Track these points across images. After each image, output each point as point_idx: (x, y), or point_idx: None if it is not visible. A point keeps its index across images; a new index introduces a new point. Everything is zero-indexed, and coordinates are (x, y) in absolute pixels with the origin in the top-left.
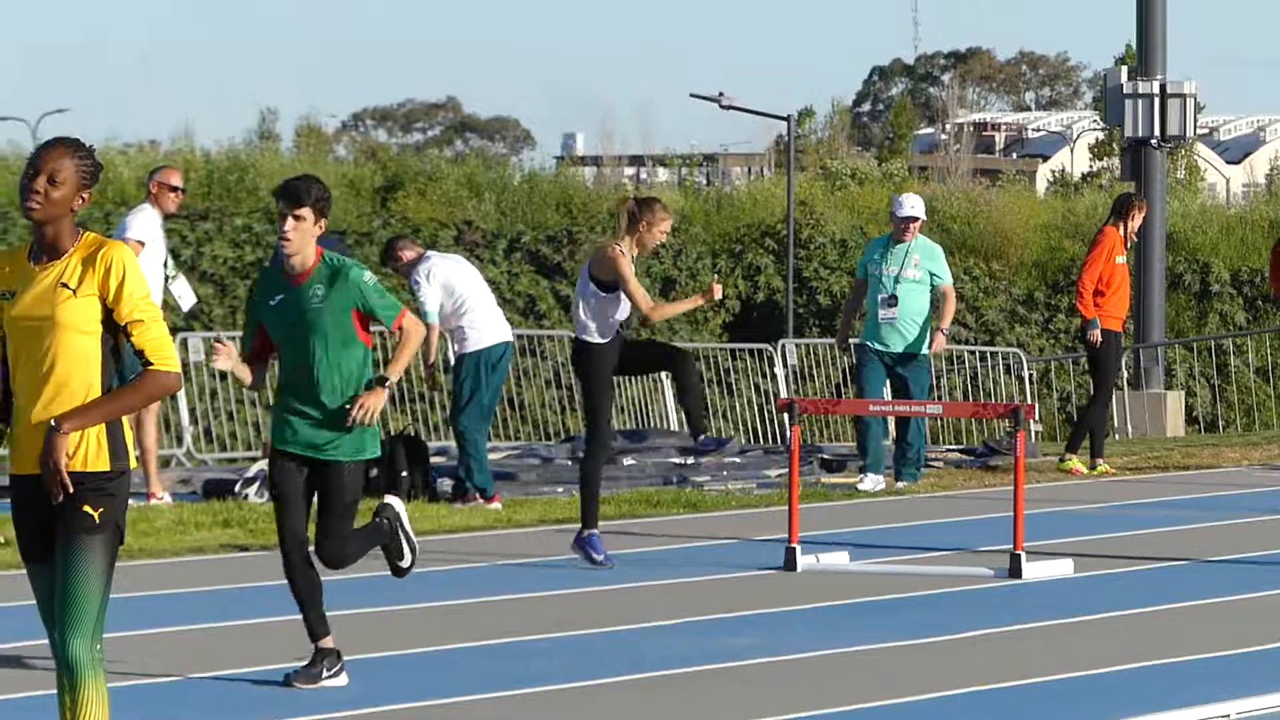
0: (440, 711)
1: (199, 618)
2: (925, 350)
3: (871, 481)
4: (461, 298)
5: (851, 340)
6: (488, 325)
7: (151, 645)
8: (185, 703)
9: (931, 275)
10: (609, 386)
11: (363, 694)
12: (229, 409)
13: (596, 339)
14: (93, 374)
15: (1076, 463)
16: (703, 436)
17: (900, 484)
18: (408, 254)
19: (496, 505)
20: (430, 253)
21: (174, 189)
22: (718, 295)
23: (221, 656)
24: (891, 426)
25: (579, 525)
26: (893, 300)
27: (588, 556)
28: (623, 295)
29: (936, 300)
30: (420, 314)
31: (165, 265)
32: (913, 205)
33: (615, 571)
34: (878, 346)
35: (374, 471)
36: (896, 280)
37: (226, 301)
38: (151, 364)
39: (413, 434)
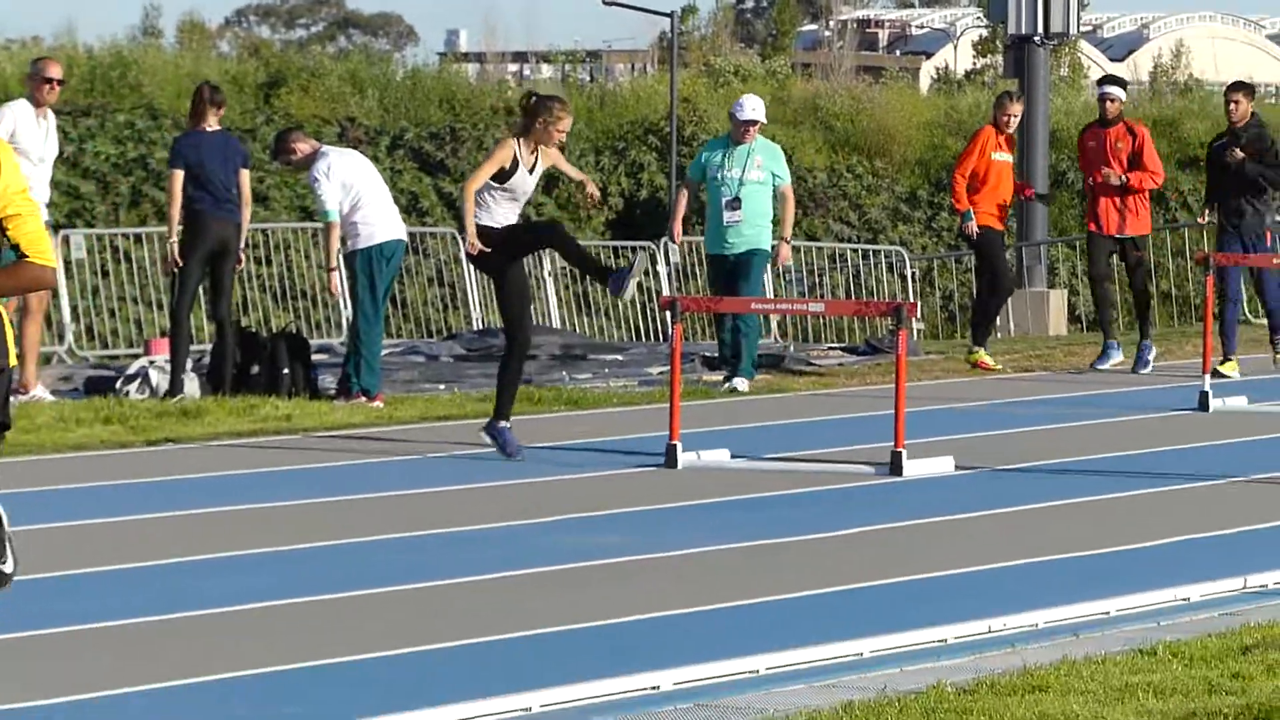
0: (310, 608)
1: (81, 514)
2: (766, 247)
3: (743, 383)
4: (357, 194)
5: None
6: (381, 221)
7: (31, 541)
8: (68, 597)
9: (773, 175)
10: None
11: (234, 590)
12: (110, 306)
13: (488, 222)
14: None
15: (984, 355)
16: (612, 277)
17: (739, 382)
18: (302, 147)
19: (379, 404)
20: (326, 147)
21: (47, 80)
22: (595, 195)
23: (102, 552)
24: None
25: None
26: (737, 202)
27: (500, 446)
28: (514, 185)
29: (776, 202)
30: (320, 212)
31: (42, 159)
32: (754, 108)
33: (494, 468)
34: (722, 250)
35: (255, 368)
36: (740, 182)
37: (109, 198)
38: (27, 257)
39: (294, 331)
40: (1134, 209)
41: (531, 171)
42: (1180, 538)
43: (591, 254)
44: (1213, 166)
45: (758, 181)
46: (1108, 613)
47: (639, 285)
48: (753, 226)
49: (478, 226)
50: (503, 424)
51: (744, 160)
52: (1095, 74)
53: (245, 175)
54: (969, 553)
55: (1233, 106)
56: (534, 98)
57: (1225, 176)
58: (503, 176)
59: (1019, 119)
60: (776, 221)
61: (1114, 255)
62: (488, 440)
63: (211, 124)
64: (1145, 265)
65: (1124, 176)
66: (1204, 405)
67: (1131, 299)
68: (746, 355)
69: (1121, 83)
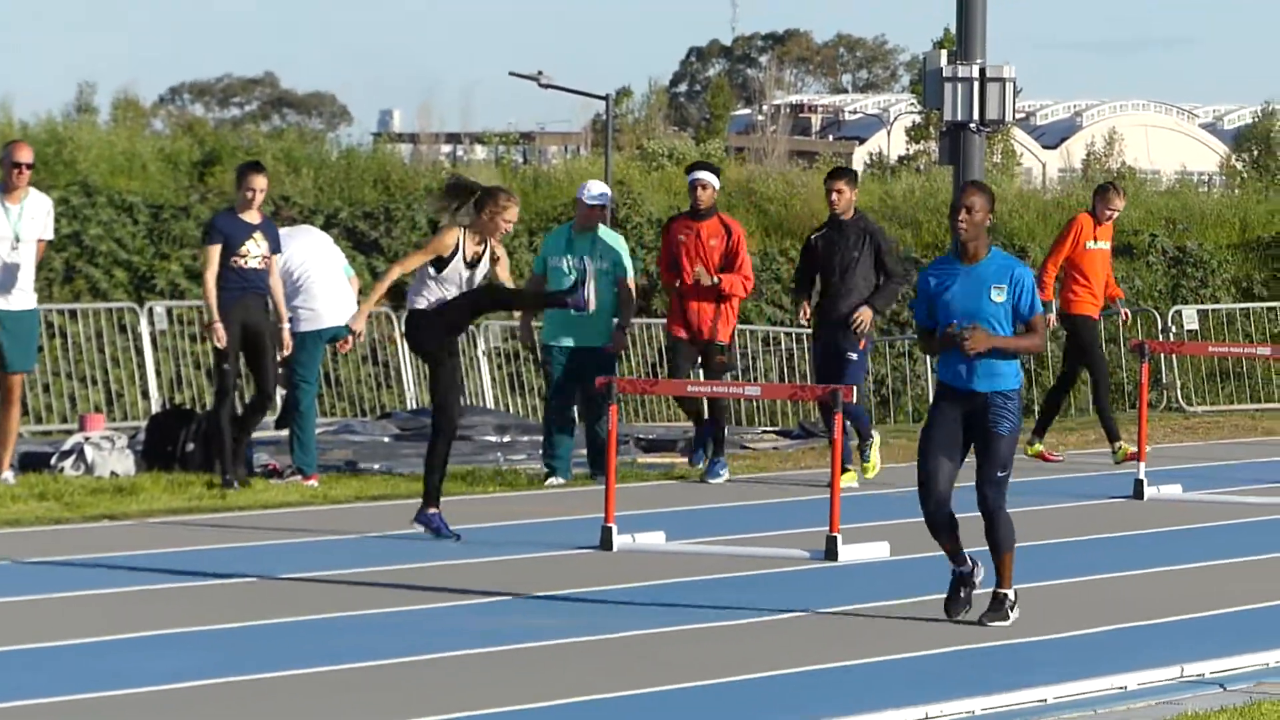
0: (235, 688)
1: (13, 590)
2: (605, 345)
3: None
4: (304, 275)
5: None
6: (327, 306)
7: None
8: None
9: (615, 266)
10: (448, 363)
11: (167, 669)
12: (44, 381)
13: (423, 306)
14: None
15: (1042, 447)
16: (569, 298)
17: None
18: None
19: (313, 483)
20: (285, 229)
21: (15, 165)
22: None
23: (33, 629)
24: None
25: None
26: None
27: (433, 531)
28: (448, 274)
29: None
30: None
31: (15, 245)
32: (601, 192)
33: (428, 549)
34: (565, 342)
35: (190, 446)
36: (584, 271)
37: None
38: None
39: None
40: (725, 315)
41: (473, 265)
42: (1117, 626)
43: (530, 289)
44: (807, 256)
45: (604, 270)
46: (1044, 700)
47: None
48: (599, 318)
49: (414, 312)
50: (432, 510)
51: (589, 248)
52: (1028, 161)
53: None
54: (905, 638)
55: (835, 196)
56: (482, 189)
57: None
58: (440, 264)
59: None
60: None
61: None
62: (419, 529)
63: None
64: (726, 370)
65: (716, 278)
66: (1139, 493)
67: (707, 408)
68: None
69: (714, 169)
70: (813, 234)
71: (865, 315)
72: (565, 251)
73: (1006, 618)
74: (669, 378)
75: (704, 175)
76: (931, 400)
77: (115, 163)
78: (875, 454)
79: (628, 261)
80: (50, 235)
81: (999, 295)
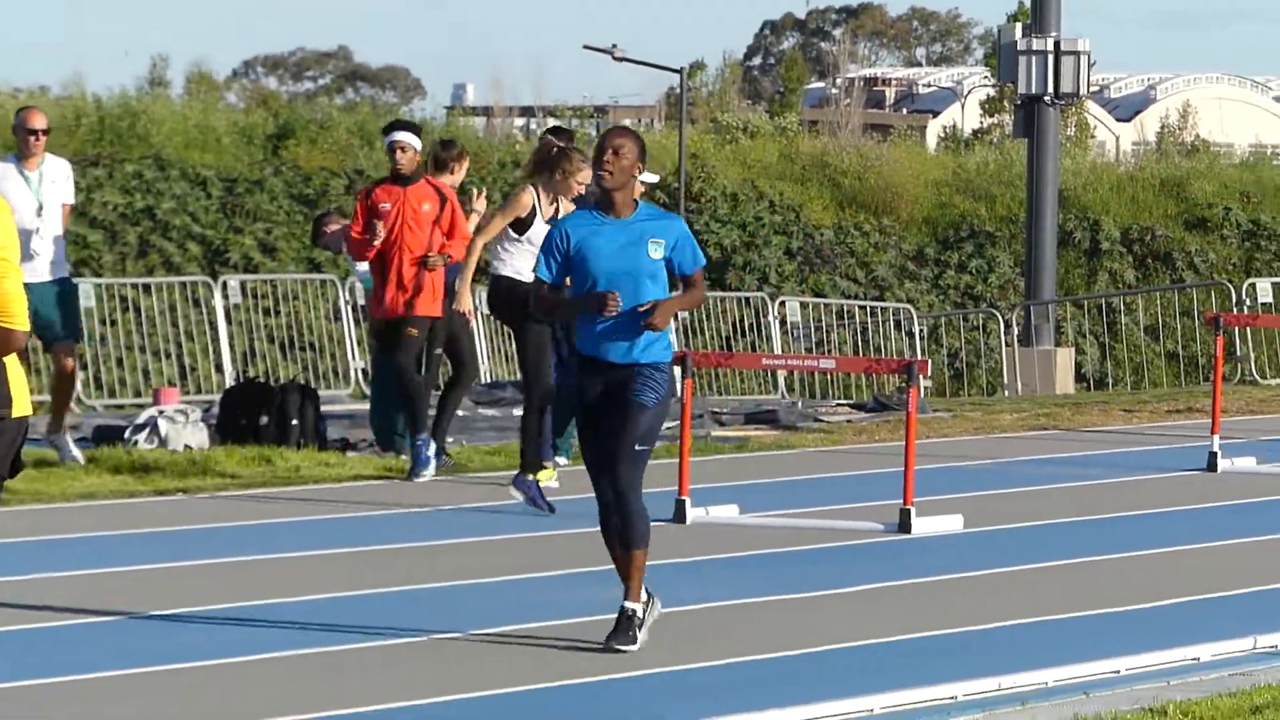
0: (319, 659)
1: (88, 563)
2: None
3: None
4: None
5: None
6: None
7: (38, 590)
8: (72, 647)
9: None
10: (531, 324)
11: (238, 643)
12: (118, 355)
13: (510, 273)
14: None
15: None
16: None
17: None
18: (333, 228)
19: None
20: None
21: (31, 132)
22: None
23: (109, 602)
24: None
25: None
26: None
27: (528, 497)
28: (531, 236)
29: None
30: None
31: (39, 212)
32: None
33: (502, 522)
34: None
35: (264, 419)
36: None
37: (116, 248)
38: (6, 323)
39: (302, 382)
40: (431, 287)
41: (549, 223)
42: (1190, 598)
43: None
44: None
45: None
46: (1118, 671)
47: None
48: None
49: (500, 279)
50: (530, 477)
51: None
52: (1101, 134)
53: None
54: (978, 610)
55: (398, 154)
56: (555, 148)
57: None
58: (520, 227)
59: None
60: None
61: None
62: (516, 494)
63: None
64: (414, 346)
65: (446, 256)
66: (1212, 466)
67: (399, 390)
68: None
69: (415, 128)
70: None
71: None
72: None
73: (634, 640)
74: (377, 362)
75: (403, 136)
76: (575, 375)
77: (189, 136)
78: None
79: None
80: (72, 199)
81: (657, 250)
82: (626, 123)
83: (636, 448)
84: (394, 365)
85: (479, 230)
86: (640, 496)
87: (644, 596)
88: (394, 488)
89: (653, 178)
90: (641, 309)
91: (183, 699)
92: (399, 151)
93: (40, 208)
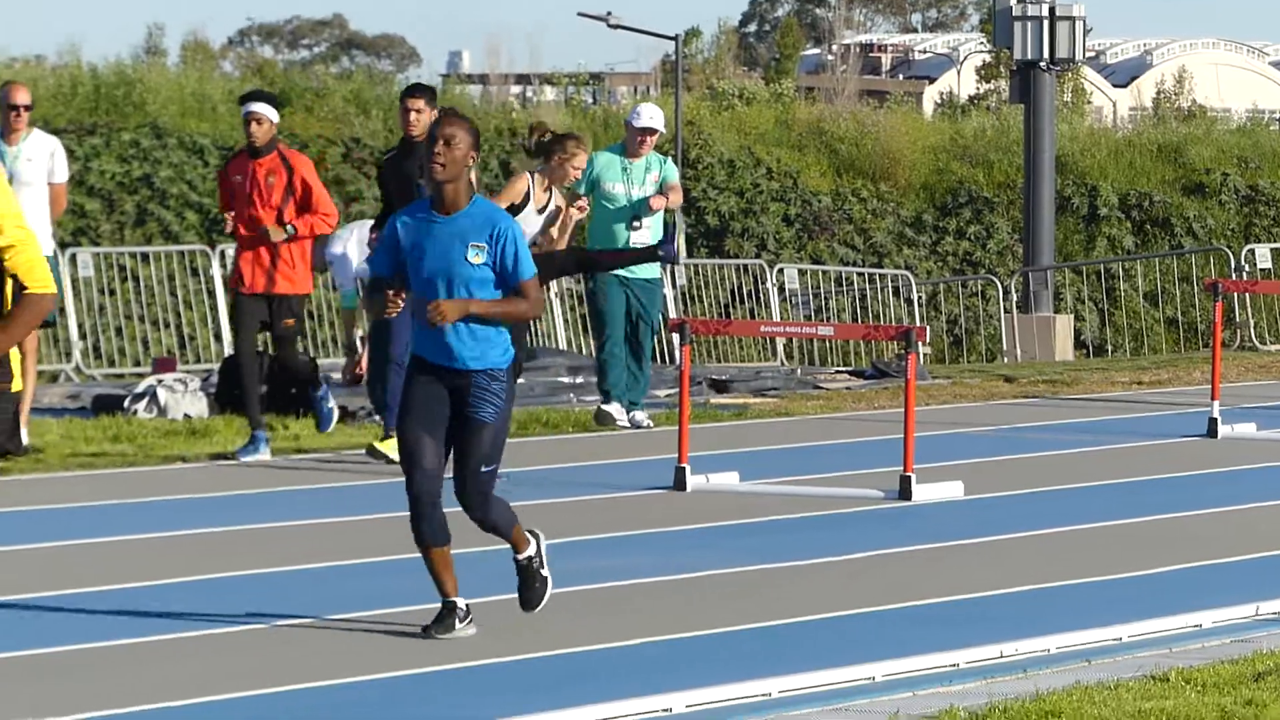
0: (321, 628)
1: (88, 532)
2: (658, 276)
3: (618, 411)
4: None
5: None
6: None
7: (37, 560)
8: (74, 616)
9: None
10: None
11: (242, 610)
12: (117, 324)
13: None
14: None
15: None
16: (661, 249)
17: (637, 415)
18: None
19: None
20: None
21: (12, 107)
22: (582, 213)
23: (109, 571)
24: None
25: None
26: (639, 222)
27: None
28: (521, 222)
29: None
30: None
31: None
32: (651, 116)
33: (503, 490)
34: (623, 273)
35: (263, 389)
36: (643, 200)
37: (114, 217)
38: (26, 288)
39: (301, 350)
40: (290, 261)
41: (541, 211)
42: (1191, 564)
43: (619, 250)
44: (380, 181)
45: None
46: (1120, 638)
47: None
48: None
49: None
50: None
51: (643, 175)
52: (1098, 99)
53: None
54: (979, 578)
55: (413, 116)
56: (550, 134)
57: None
58: (511, 212)
59: None
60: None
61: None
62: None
63: None
64: (296, 335)
65: (291, 227)
66: (1212, 432)
67: (271, 377)
68: (642, 386)
69: (271, 99)
70: (384, 156)
71: None
72: (623, 179)
73: (545, 584)
74: (236, 338)
75: (258, 108)
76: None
77: (185, 105)
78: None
79: (673, 172)
80: (62, 178)
81: (477, 255)
82: (622, 90)
83: (483, 470)
84: (245, 347)
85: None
86: (494, 504)
87: (529, 541)
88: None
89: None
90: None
91: (177, 668)
92: (253, 124)
93: (11, 181)
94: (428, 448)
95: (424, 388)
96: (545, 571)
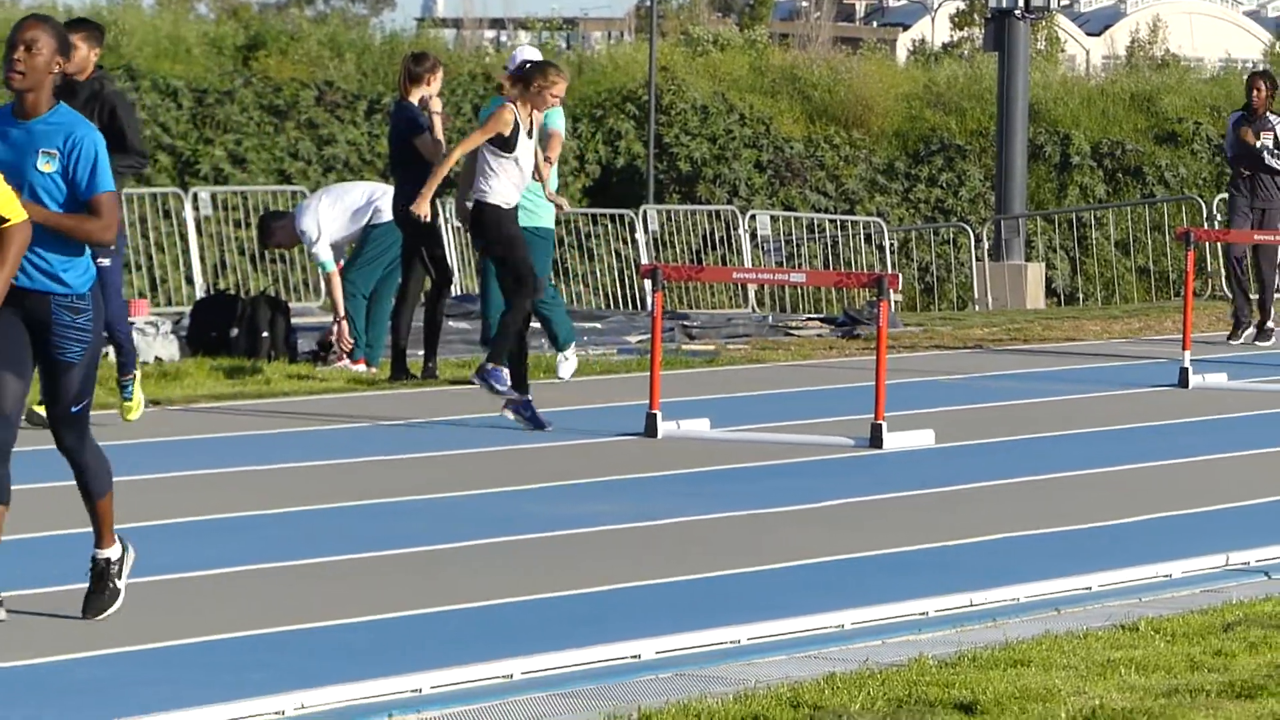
0: (299, 571)
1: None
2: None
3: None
4: (346, 201)
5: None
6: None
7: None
8: (42, 559)
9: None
10: (520, 239)
11: (224, 554)
12: None
13: (497, 201)
14: None
15: None
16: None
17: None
18: (280, 233)
19: (361, 367)
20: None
21: None
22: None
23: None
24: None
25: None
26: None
27: (490, 386)
28: (519, 153)
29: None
30: (319, 264)
31: None
32: (524, 60)
33: (475, 435)
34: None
35: (235, 331)
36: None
37: None
38: (8, 220)
39: (272, 294)
40: None
41: (530, 136)
42: (1162, 514)
43: (506, 345)
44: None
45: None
46: (1089, 588)
47: (616, 253)
48: (530, 196)
49: (485, 206)
50: (495, 366)
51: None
52: (1071, 48)
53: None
54: (950, 526)
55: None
56: (529, 62)
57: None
58: (508, 145)
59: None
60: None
61: None
62: (477, 383)
63: (411, 98)
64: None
65: None
66: (1184, 382)
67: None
68: (561, 327)
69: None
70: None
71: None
72: None
73: (115, 596)
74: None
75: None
76: None
77: (159, 47)
78: (138, 389)
79: (559, 121)
80: None
81: (48, 163)
82: (596, 36)
83: (73, 410)
84: None
85: (459, 143)
86: (90, 447)
87: (117, 543)
88: (361, 400)
89: (533, 53)
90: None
91: (142, 612)
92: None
93: None
94: (9, 392)
95: (3, 323)
96: (120, 584)
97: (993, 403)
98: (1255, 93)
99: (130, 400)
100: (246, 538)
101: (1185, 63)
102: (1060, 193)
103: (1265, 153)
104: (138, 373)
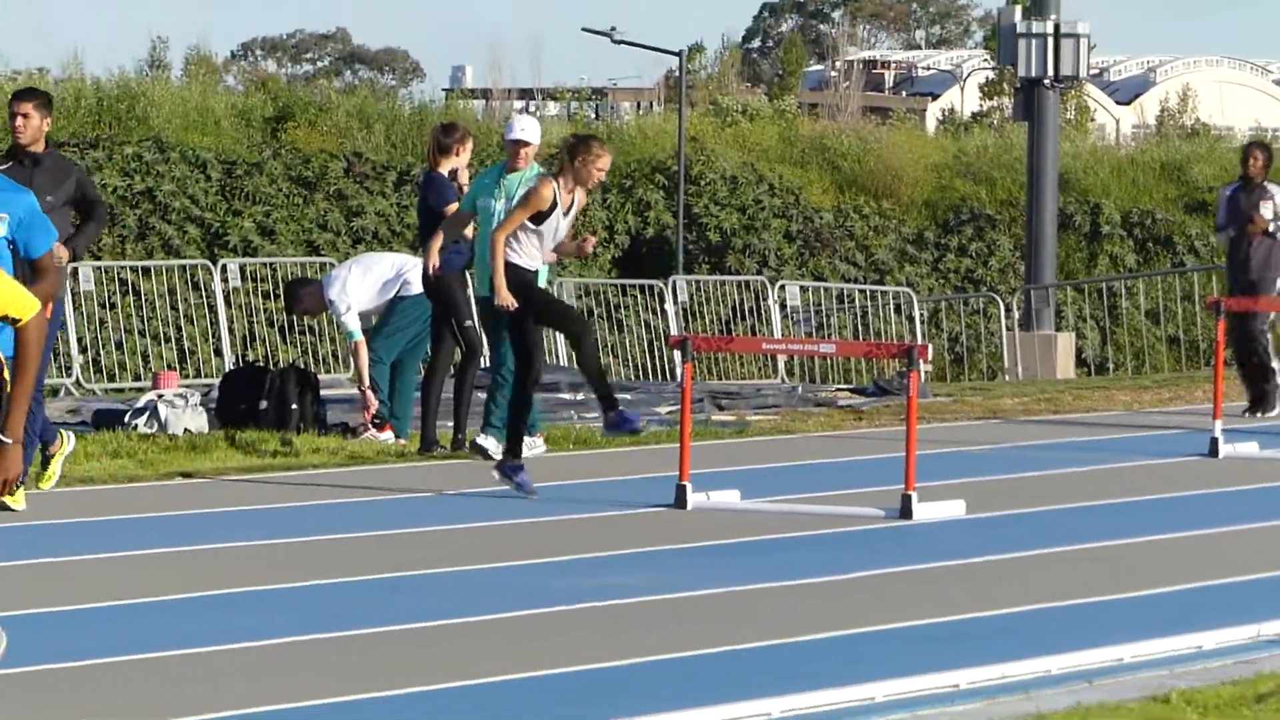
0: (312, 646)
1: (88, 549)
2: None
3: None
4: (376, 272)
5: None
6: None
7: (37, 575)
8: (76, 631)
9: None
10: (530, 310)
11: (241, 628)
12: (117, 338)
13: (526, 266)
14: None
15: None
16: (613, 412)
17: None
18: (309, 299)
19: (388, 435)
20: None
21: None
22: (589, 249)
23: (109, 587)
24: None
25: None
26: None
27: (517, 485)
28: (546, 228)
29: None
30: (345, 333)
31: None
32: (523, 128)
33: (504, 507)
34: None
35: (264, 404)
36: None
37: (116, 231)
38: (19, 320)
39: (301, 366)
40: None
41: (567, 213)
42: (1193, 585)
43: (606, 377)
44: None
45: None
46: (1121, 659)
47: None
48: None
49: (507, 265)
50: (517, 462)
51: (515, 190)
52: (1101, 117)
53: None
54: (981, 597)
55: (19, 121)
56: (573, 137)
57: None
58: (539, 218)
59: None
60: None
61: None
62: (496, 477)
63: (440, 169)
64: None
65: None
66: (1214, 451)
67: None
68: (499, 411)
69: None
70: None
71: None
72: (492, 193)
73: None
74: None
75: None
76: None
77: (188, 119)
78: (58, 464)
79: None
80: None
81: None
82: (625, 106)
83: None
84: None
85: (500, 226)
86: None
87: None
88: (389, 472)
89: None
90: None
91: (175, 685)
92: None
93: None
94: None
95: None
96: None
97: (1023, 473)
98: (1252, 162)
99: (47, 469)
100: (271, 610)
101: (1215, 131)
102: (1090, 262)
103: (1274, 224)
104: (70, 445)
